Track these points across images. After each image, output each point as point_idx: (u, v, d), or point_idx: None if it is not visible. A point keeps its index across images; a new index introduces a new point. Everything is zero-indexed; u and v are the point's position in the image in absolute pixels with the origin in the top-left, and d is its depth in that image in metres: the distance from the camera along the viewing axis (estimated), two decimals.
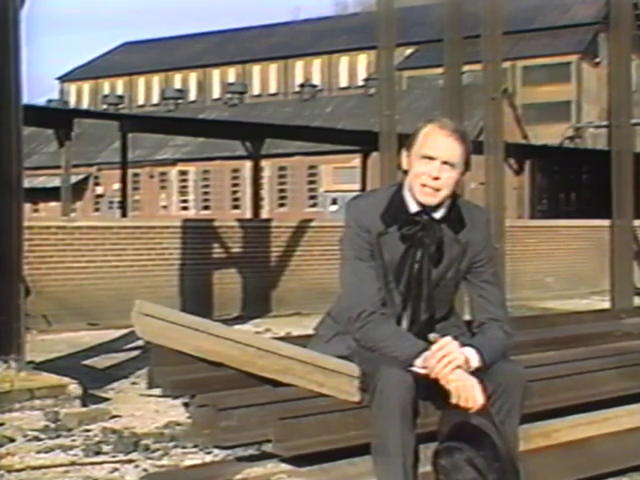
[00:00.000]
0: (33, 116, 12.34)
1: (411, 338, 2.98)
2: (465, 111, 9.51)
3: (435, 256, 3.03)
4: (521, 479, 2.94)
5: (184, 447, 4.27)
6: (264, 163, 28.24)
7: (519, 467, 2.92)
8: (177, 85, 57.09)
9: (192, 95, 57.32)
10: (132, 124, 21.02)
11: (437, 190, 2.97)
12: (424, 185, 2.97)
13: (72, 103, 58.06)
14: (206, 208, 40.24)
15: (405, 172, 3.06)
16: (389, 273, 3.05)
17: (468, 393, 2.80)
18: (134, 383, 6.28)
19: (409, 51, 47.11)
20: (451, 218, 3.06)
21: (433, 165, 2.96)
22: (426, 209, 3.02)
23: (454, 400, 2.81)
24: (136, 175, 38.08)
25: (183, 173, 41.17)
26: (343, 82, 54.22)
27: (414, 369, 2.87)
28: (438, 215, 3.04)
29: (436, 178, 2.96)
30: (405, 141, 3.13)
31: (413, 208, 3.04)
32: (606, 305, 9.76)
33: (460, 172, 3.00)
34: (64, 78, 63.24)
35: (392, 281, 3.06)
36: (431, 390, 2.90)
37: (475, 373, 2.86)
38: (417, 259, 3.03)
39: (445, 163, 2.96)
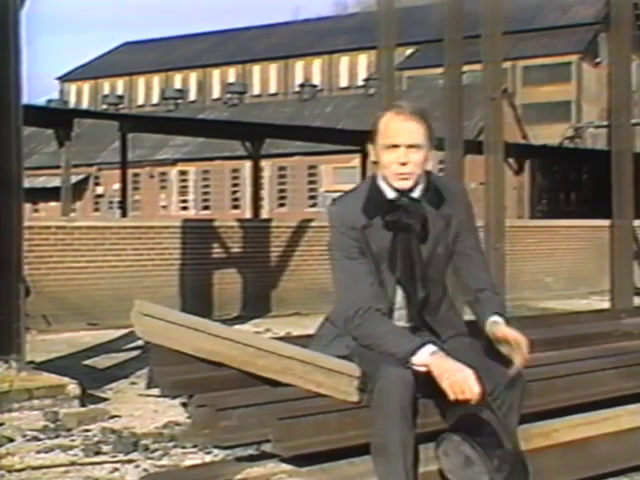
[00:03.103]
0: (33, 116, 12.33)
1: (407, 335, 2.99)
2: (465, 111, 9.51)
3: (422, 234, 3.07)
4: (525, 466, 2.96)
5: (184, 447, 4.27)
6: (264, 163, 28.23)
7: (522, 454, 2.93)
8: (177, 85, 57.08)
9: (192, 95, 57.31)
10: (132, 124, 21.01)
11: (409, 174, 3.03)
12: (395, 173, 3.04)
13: (72, 103, 58.05)
14: (206, 208, 40.23)
15: (376, 163, 3.12)
16: (381, 263, 3.07)
17: (463, 386, 2.80)
18: (133, 383, 6.28)
19: (409, 51, 47.10)
20: (430, 195, 3.11)
21: (399, 152, 3.02)
22: (403, 192, 3.07)
23: (451, 397, 2.81)
24: (136, 175, 38.08)
25: (183, 173, 41.17)
26: (343, 82, 54.21)
27: (412, 366, 2.88)
28: (416, 194, 3.09)
29: (404, 163, 3.02)
30: None
31: (391, 195, 3.09)
32: (606, 305, 9.76)
33: (427, 150, 3.06)
34: (64, 78, 63.24)
35: (385, 270, 3.07)
36: (431, 386, 2.91)
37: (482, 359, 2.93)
38: (405, 242, 3.06)
39: (410, 147, 3.02)
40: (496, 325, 3.04)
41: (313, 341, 3.28)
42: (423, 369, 2.86)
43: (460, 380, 2.80)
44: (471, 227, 3.21)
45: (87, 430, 4.77)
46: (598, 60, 44.21)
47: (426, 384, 2.92)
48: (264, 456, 3.09)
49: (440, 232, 3.09)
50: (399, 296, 3.09)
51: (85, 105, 59.59)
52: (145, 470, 3.96)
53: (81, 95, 61.92)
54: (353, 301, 3.03)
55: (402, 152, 3.01)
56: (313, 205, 38.02)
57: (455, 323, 3.20)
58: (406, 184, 3.04)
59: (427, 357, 2.86)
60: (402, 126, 3.01)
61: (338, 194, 3.34)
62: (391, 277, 3.07)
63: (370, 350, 3.00)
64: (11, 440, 4.53)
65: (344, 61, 54.83)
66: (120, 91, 58.37)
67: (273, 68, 56.86)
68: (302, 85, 48.26)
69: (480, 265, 3.20)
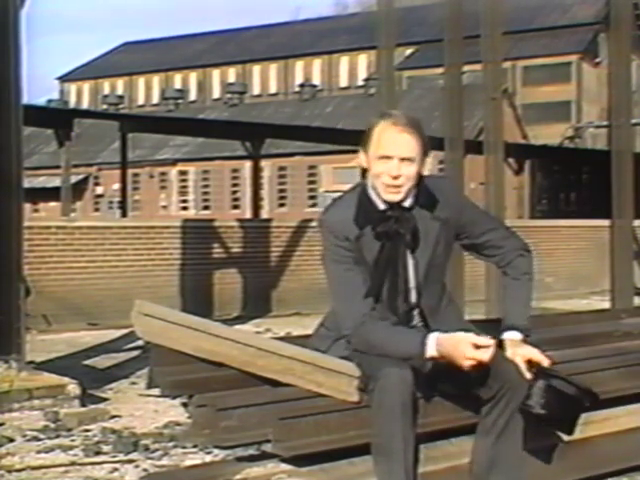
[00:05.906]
0: (33, 116, 12.35)
1: (407, 332, 2.97)
2: (465, 111, 9.52)
3: (412, 244, 3.02)
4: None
5: (184, 447, 4.27)
6: (264, 163, 28.23)
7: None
8: (177, 85, 57.06)
9: (192, 95, 57.29)
10: (132, 124, 21.00)
11: (399, 186, 2.96)
12: (386, 185, 2.97)
13: (72, 103, 58.01)
14: (206, 208, 40.21)
15: (365, 170, 3.06)
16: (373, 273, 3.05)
17: (474, 349, 2.78)
18: (134, 383, 6.28)
19: (409, 51, 47.09)
20: (422, 201, 3.04)
21: (392, 164, 2.94)
22: (393, 204, 3.01)
23: (467, 367, 2.78)
24: (136, 175, 38.05)
25: (183, 173, 41.14)
26: (343, 82, 54.19)
27: (427, 361, 2.85)
28: (408, 203, 3.03)
29: (397, 177, 2.95)
30: None
31: (382, 206, 3.03)
32: (606, 305, 9.76)
33: (419, 163, 2.99)
34: (64, 78, 63.22)
35: (376, 279, 3.04)
36: (432, 379, 2.92)
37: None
38: (392, 252, 3.02)
39: (403, 160, 2.94)
40: (514, 345, 3.05)
41: (311, 347, 3.26)
42: (435, 354, 2.83)
43: (468, 344, 2.78)
44: (474, 216, 3.16)
45: (87, 430, 4.77)
46: (598, 60, 44.18)
47: (426, 383, 2.92)
48: (264, 456, 3.08)
49: (438, 233, 3.05)
50: (385, 307, 3.04)
51: (85, 105, 59.56)
52: (145, 470, 3.96)
53: (81, 95, 61.89)
54: (350, 311, 3.01)
55: (395, 164, 2.93)
56: (313, 205, 37.96)
57: (453, 320, 3.17)
58: (396, 197, 2.98)
59: (434, 346, 2.84)
60: (397, 137, 2.93)
61: (338, 194, 3.29)
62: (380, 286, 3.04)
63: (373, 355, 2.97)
64: (11, 440, 4.53)
65: (344, 61, 54.81)
66: (120, 91, 58.35)
67: (273, 68, 56.85)
68: (302, 85, 48.22)
69: (497, 241, 3.16)
